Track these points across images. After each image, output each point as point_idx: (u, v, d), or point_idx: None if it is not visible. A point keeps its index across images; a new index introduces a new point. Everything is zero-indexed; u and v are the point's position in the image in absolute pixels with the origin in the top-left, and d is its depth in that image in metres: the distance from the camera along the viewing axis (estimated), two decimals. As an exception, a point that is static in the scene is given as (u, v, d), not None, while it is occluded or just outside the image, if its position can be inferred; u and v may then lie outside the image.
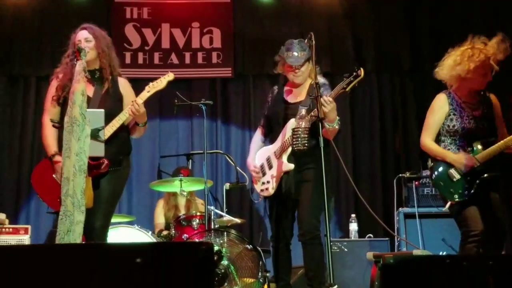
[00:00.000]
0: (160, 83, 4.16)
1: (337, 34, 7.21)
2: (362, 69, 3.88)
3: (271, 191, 4.29)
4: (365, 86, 7.21)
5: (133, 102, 4.00)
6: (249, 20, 7.23)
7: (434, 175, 4.20)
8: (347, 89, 3.93)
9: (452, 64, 4.15)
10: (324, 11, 7.18)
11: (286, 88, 4.44)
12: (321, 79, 4.28)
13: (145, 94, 4.08)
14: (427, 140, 4.23)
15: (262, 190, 4.38)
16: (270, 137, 4.49)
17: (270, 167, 4.35)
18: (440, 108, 4.22)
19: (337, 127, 4.08)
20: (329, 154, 4.17)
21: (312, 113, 3.98)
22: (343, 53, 7.18)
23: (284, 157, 4.22)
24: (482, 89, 4.20)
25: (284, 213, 4.31)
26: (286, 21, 7.17)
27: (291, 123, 4.18)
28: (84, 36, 4.05)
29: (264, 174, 4.39)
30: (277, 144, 4.31)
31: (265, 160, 4.40)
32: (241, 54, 7.20)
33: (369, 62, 7.17)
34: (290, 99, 4.38)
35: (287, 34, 6.91)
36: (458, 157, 4.08)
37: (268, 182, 4.33)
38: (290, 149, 4.16)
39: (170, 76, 4.22)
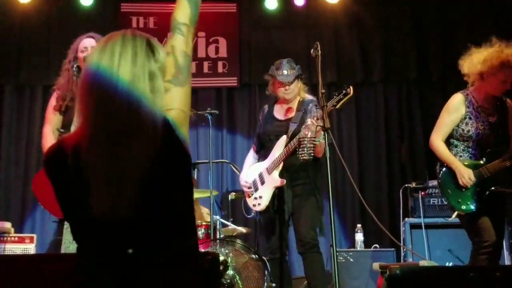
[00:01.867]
0: None
1: (343, 43, 7.22)
2: (351, 87, 4.01)
3: (263, 205, 4.43)
4: (372, 96, 7.22)
5: None
6: (255, 30, 7.25)
7: (442, 183, 4.15)
8: (337, 107, 4.04)
9: (477, 61, 4.05)
10: (330, 20, 7.19)
11: (276, 106, 4.64)
12: (309, 96, 4.55)
13: None
14: (438, 140, 4.16)
15: (254, 205, 4.53)
16: (262, 153, 4.65)
17: (262, 182, 4.49)
18: (456, 109, 4.13)
19: (322, 141, 4.11)
20: (320, 169, 4.40)
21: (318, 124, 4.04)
22: (350, 62, 7.19)
23: (276, 173, 4.38)
24: (499, 96, 4.13)
25: (278, 227, 4.41)
26: (292, 30, 7.19)
27: (283, 139, 4.38)
28: (91, 45, 4.04)
29: (256, 189, 4.53)
30: (269, 160, 4.46)
31: (258, 176, 4.54)
32: (247, 64, 7.22)
33: (376, 71, 7.18)
34: (280, 116, 4.57)
35: (293, 44, 6.97)
36: (464, 171, 4.00)
37: (260, 197, 4.47)
38: (281, 165, 4.35)
39: None
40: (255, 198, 4.50)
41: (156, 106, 1.79)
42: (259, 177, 4.51)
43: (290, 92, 4.48)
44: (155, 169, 1.76)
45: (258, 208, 4.48)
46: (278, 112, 4.60)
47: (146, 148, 1.75)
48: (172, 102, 1.90)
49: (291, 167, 4.33)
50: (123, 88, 1.75)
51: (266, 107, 4.73)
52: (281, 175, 4.36)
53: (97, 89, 1.78)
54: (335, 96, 4.05)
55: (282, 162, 4.34)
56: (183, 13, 2.06)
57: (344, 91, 4.00)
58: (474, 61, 4.06)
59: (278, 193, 4.38)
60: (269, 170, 4.41)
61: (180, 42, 2.01)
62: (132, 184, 1.74)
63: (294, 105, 4.52)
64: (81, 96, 1.84)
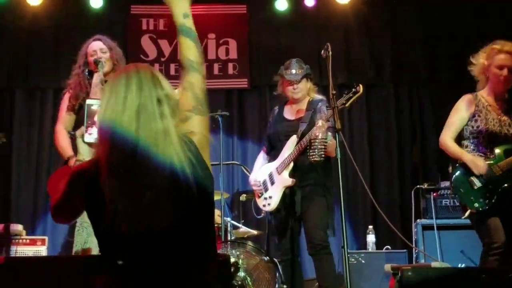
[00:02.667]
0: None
1: (353, 45, 7.21)
2: (361, 85, 4.03)
3: (273, 206, 4.44)
4: (383, 97, 7.21)
5: None
6: (265, 31, 7.26)
7: (454, 182, 4.13)
8: (347, 105, 4.06)
9: (480, 57, 4.13)
10: (340, 22, 7.19)
11: (286, 107, 4.65)
12: (318, 96, 4.55)
13: None
14: (447, 138, 4.17)
15: (264, 205, 4.53)
16: (272, 154, 4.63)
17: (272, 182, 4.49)
18: (464, 108, 4.15)
19: (331, 142, 4.09)
20: (330, 169, 4.39)
21: (329, 125, 4.05)
22: (360, 64, 7.18)
23: (286, 173, 4.39)
24: (503, 92, 4.11)
25: (289, 227, 4.41)
26: (302, 32, 7.19)
27: (293, 139, 4.38)
28: (99, 47, 4.07)
29: (266, 189, 4.53)
30: (279, 160, 4.45)
31: (268, 176, 4.54)
32: (257, 65, 7.23)
33: (386, 72, 7.17)
34: (290, 116, 4.59)
35: (303, 45, 6.96)
36: (474, 159, 4.01)
37: (270, 197, 4.47)
38: (291, 165, 4.36)
39: None
40: (265, 199, 4.51)
41: (171, 133, 1.91)
42: (269, 178, 4.51)
43: (299, 91, 4.50)
44: (178, 195, 1.89)
45: (268, 209, 4.48)
46: (288, 113, 4.61)
47: (164, 176, 1.87)
48: (194, 127, 2.07)
49: (301, 167, 4.33)
50: (129, 127, 1.87)
51: (276, 108, 4.74)
52: (291, 175, 4.36)
53: (105, 132, 1.91)
54: (345, 95, 4.07)
55: (292, 162, 4.34)
56: (192, 53, 2.23)
57: (353, 90, 4.02)
58: (478, 57, 4.14)
59: (288, 193, 4.38)
60: (279, 170, 4.41)
61: (197, 79, 2.20)
62: (160, 206, 1.87)
63: (304, 105, 4.53)
64: (97, 138, 1.98)
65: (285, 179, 4.37)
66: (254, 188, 4.63)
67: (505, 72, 4.04)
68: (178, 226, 1.89)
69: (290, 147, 4.38)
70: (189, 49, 2.23)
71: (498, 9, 6.86)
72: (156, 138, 1.87)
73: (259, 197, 4.58)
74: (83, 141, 2.18)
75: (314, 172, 4.31)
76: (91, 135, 2.19)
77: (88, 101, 2.20)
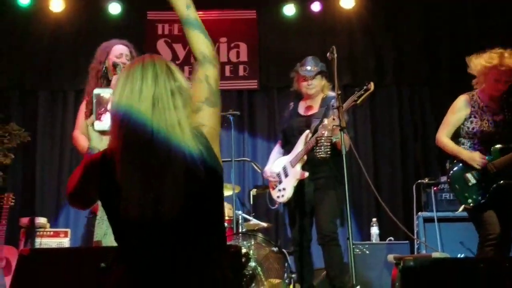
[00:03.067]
0: None
1: (357, 48, 7.18)
2: (372, 83, 4.01)
3: (287, 197, 4.43)
4: (385, 97, 7.17)
5: None
6: (274, 35, 7.25)
7: (450, 178, 4.14)
8: (358, 102, 4.05)
9: (477, 62, 4.09)
10: (345, 26, 7.16)
11: (301, 102, 4.63)
12: (332, 93, 4.49)
13: None
14: (443, 136, 4.17)
15: (278, 197, 4.53)
16: (287, 148, 4.61)
17: (286, 175, 4.47)
18: (460, 109, 4.14)
19: (338, 139, 4.07)
20: (342, 163, 4.26)
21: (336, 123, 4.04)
22: (364, 66, 7.15)
23: (299, 166, 4.37)
24: (499, 95, 4.09)
25: (301, 218, 4.41)
26: (308, 36, 7.17)
27: (306, 134, 4.35)
28: (125, 52, 4.02)
29: (280, 181, 4.51)
30: (293, 154, 4.44)
31: (282, 169, 4.53)
32: (266, 67, 7.22)
33: (389, 74, 7.13)
34: (304, 112, 4.56)
35: (310, 48, 6.93)
36: (472, 155, 4.00)
37: (284, 189, 4.46)
38: (305, 158, 4.33)
39: None
40: (279, 190, 4.49)
41: (184, 125, 1.87)
42: (283, 170, 4.50)
43: (313, 87, 4.47)
44: (190, 183, 1.85)
45: (281, 200, 4.47)
46: (302, 108, 4.58)
47: (179, 163, 1.83)
48: (204, 120, 2.02)
49: (313, 161, 4.28)
50: (145, 115, 1.84)
51: (292, 104, 4.70)
52: (304, 168, 4.35)
53: (121, 119, 1.87)
54: (356, 92, 4.03)
55: (305, 156, 4.31)
56: (203, 45, 2.14)
57: (365, 87, 4.01)
58: (475, 63, 4.09)
59: (301, 185, 4.37)
60: (293, 164, 4.39)
61: (213, 72, 2.13)
62: (170, 194, 1.82)
63: (318, 101, 4.50)
64: (111, 125, 1.95)
65: (298, 172, 4.35)
66: (270, 179, 4.61)
67: (500, 85, 4.03)
68: (189, 214, 1.86)
69: (303, 141, 4.36)
70: (200, 42, 2.14)
71: (499, 9, 6.78)
72: (170, 128, 1.84)
73: (274, 188, 4.56)
74: (94, 129, 2.15)
75: (326, 166, 4.28)
76: (102, 122, 2.14)
77: (95, 91, 2.16)
